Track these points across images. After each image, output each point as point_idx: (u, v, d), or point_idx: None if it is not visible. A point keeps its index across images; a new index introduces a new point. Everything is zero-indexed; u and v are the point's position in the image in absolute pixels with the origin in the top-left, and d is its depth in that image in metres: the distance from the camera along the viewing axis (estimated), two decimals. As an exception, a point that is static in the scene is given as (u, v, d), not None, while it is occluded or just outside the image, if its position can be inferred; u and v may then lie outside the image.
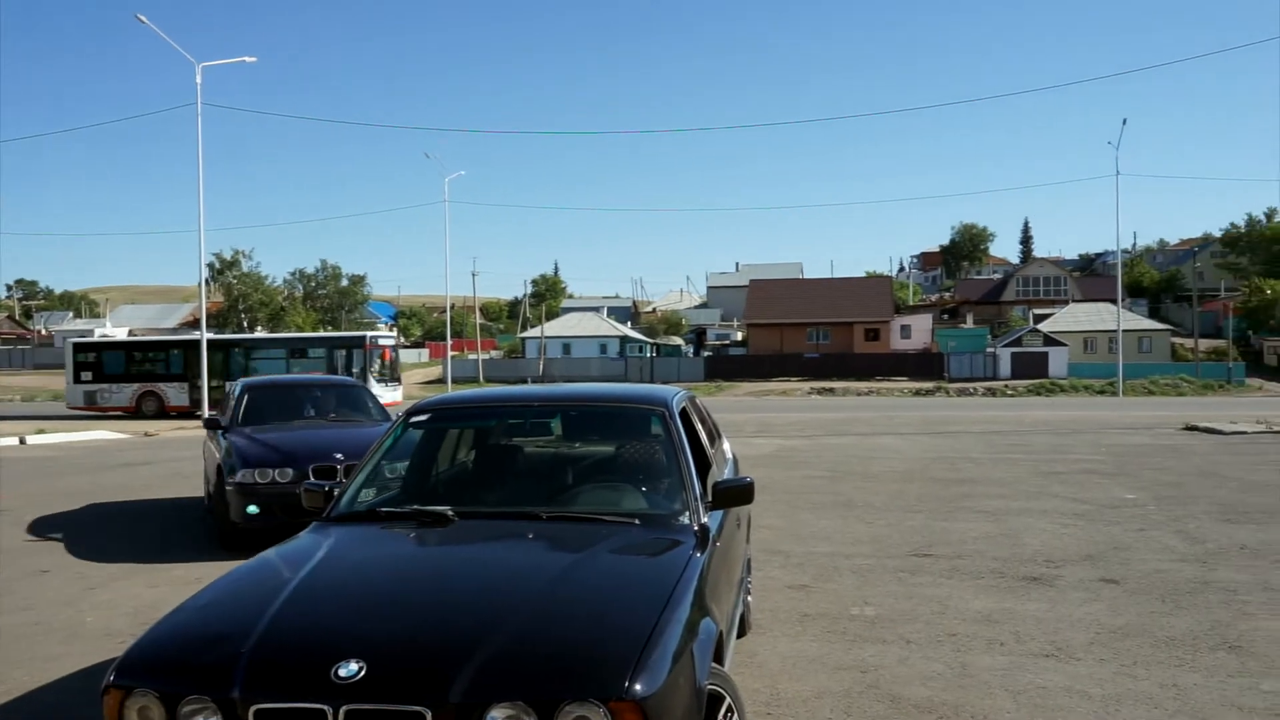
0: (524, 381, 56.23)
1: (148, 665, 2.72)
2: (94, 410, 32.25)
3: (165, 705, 2.61)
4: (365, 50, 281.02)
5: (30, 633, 6.02)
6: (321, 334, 44.50)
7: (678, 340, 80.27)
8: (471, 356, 68.09)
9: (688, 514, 3.79)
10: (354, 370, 30.87)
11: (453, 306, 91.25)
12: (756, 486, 4.11)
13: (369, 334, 33.52)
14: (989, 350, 58.76)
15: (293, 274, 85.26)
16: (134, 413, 31.81)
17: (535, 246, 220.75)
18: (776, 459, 16.10)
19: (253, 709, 2.53)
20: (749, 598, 5.78)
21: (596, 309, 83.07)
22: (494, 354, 77.19)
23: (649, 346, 74.43)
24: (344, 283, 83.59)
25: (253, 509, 8.35)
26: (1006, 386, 46.64)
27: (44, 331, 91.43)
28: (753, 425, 24.21)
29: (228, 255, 78.92)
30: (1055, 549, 8.14)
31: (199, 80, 27.35)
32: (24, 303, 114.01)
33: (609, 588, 3.11)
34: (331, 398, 11.17)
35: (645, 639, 2.69)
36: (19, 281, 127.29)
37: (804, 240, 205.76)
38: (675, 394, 4.67)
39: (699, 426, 4.74)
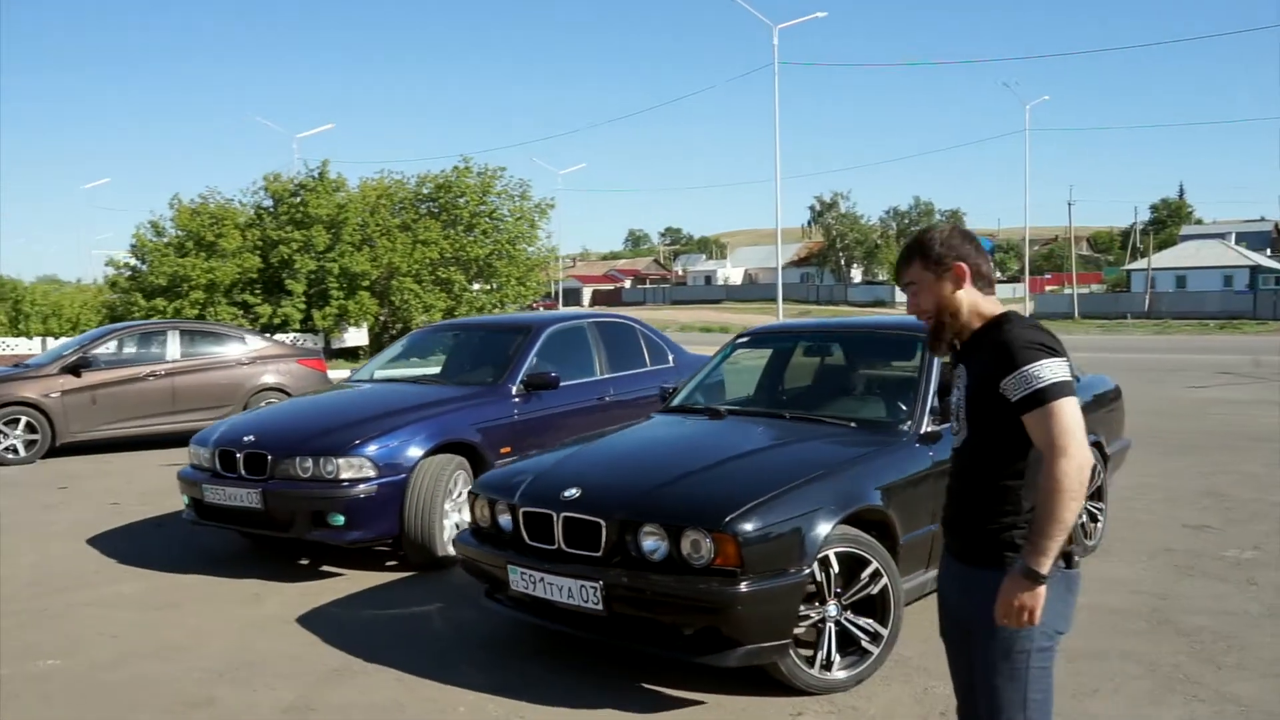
0: (1123, 318, 52.22)
1: (485, 485, 4.55)
2: None
3: (490, 505, 4.35)
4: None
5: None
6: None
7: (1335, 270, 66.83)
8: (1068, 291, 64.45)
9: (910, 423, 4.53)
10: None
11: (1055, 238, 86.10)
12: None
13: None
14: None
15: (887, 212, 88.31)
16: None
17: (1153, 168, 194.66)
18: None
19: (520, 510, 4.14)
20: (1094, 524, 5.96)
21: (1222, 235, 72.54)
22: (1095, 288, 71.99)
23: (1290, 277, 63.24)
24: (937, 218, 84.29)
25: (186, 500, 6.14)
26: None
27: (679, 272, 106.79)
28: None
29: (827, 198, 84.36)
30: None
31: (775, 41, 30.29)
32: (669, 247, 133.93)
33: (774, 463, 4.15)
34: (491, 350, 7.02)
35: (764, 496, 3.71)
36: (668, 229, 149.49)
37: None
38: None
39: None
